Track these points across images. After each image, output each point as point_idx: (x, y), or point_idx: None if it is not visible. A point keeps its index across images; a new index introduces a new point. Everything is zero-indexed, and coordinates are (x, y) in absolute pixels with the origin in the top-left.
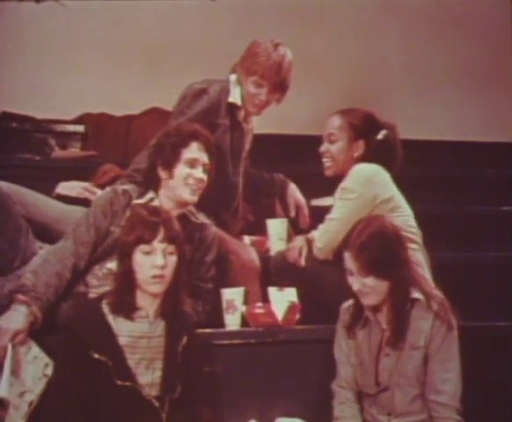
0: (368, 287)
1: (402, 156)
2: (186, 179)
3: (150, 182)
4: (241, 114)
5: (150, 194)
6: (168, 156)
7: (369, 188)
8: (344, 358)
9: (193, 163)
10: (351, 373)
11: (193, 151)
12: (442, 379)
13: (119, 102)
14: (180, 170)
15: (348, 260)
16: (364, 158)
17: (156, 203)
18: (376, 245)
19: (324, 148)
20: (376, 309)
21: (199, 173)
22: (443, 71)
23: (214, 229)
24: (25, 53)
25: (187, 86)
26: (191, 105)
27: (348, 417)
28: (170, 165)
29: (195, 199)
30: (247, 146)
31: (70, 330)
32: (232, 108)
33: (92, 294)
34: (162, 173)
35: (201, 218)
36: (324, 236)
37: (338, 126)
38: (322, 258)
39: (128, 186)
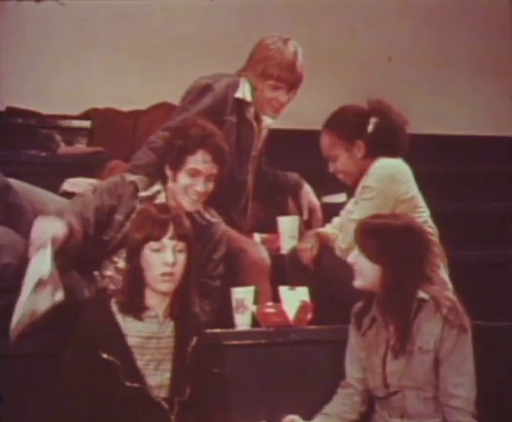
0: (357, 265)
1: (405, 134)
2: (185, 189)
3: (158, 176)
4: (251, 111)
5: (157, 186)
6: (174, 158)
7: (390, 186)
8: (353, 358)
9: (194, 174)
10: (359, 373)
11: (197, 162)
12: (455, 383)
13: (125, 97)
14: (182, 177)
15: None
16: (370, 153)
17: (162, 196)
18: (389, 235)
19: (331, 168)
20: (383, 309)
21: (199, 186)
22: (456, 66)
23: (223, 227)
24: (28, 47)
25: (195, 81)
26: (194, 101)
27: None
28: (175, 168)
29: (196, 207)
30: (259, 144)
31: (79, 329)
32: (241, 104)
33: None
34: (168, 172)
35: (211, 215)
36: (346, 238)
37: (329, 144)
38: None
39: (134, 177)
